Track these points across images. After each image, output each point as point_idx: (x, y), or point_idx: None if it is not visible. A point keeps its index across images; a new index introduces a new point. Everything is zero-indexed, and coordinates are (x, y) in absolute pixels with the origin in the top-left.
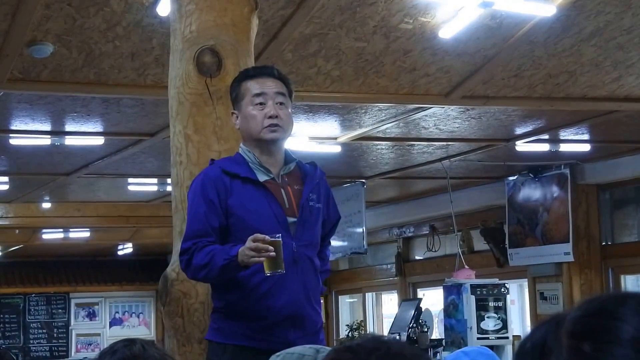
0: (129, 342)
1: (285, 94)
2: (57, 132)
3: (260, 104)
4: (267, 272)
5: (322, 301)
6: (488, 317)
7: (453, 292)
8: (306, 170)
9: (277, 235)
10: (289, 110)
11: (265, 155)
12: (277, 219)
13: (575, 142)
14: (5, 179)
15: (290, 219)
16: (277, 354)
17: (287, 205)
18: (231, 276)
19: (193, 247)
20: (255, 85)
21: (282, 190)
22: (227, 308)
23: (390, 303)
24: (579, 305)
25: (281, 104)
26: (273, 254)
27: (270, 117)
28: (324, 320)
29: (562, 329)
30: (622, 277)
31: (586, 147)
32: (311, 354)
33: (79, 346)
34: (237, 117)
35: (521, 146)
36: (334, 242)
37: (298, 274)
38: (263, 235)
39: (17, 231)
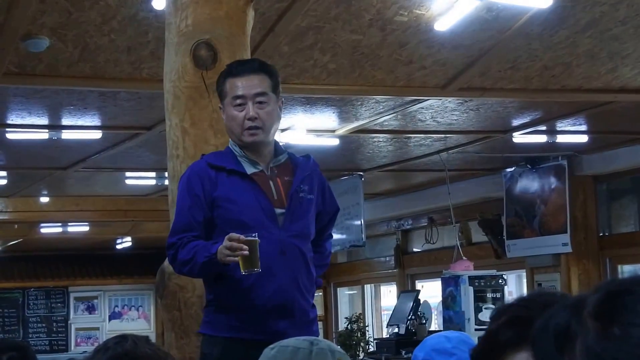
0: (121, 339)
1: (267, 91)
2: (54, 126)
3: (240, 105)
4: (243, 271)
5: (320, 294)
6: (486, 309)
7: (451, 284)
8: (297, 162)
9: (253, 234)
10: (271, 107)
11: (251, 152)
12: (263, 210)
13: (572, 134)
14: (3, 173)
15: (279, 210)
16: (271, 346)
17: (276, 197)
18: (214, 272)
19: (178, 242)
20: (236, 84)
21: (271, 182)
22: (217, 300)
23: (389, 295)
24: (597, 287)
25: (261, 102)
26: (246, 252)
27: (249, 119)
28: (322, 312)
29: (584, 312)
30: (619, 267)
31: (583, 138)
32: (306, 346)
33: (78, 340)
34: (223, 112)
35: (518, 138)
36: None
37: (286, 265)
38: (238, 235)
39: (15, 226)
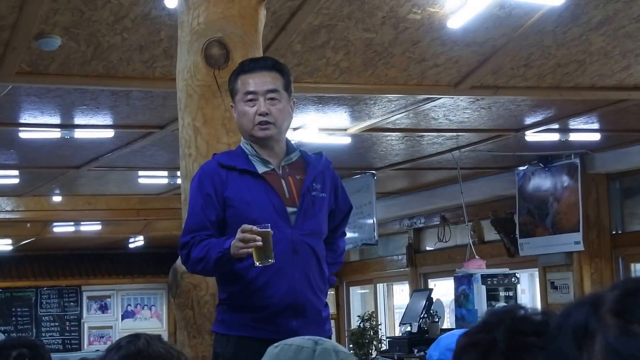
0: (134, 338)
1: (279, 89)
2: (67, 125)
3: (251, 100)
4: (257, 263)
5: (332, 292)
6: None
7: (464, 282)
8: (309, 160)
9: (266, 225)
10: (282, 105)
11: (263, 149)
12: (275, 209)
13: (585, 132)
14: (16, 172)
15: (290, 209)
16: (275, 344)
17: (288, 196)
18: (227, 269)
19: (191, 241)
20: (248, 81)
21: (283, 181)
22: (230, 300)
23: (401, 294)
24: (613, 285)
25: (272, 99)
26: (260, 243)
27: (260, 114)
28: (334, 311)
29: (603, 309)
30: (632, 265)
31: (596, 137)
32: (309, 345)
33: (91, 339)
34: (235, 110)
35: (531, 136)
36: None
37: (299, 263)
38: (250, 226)
39: (28, 225)
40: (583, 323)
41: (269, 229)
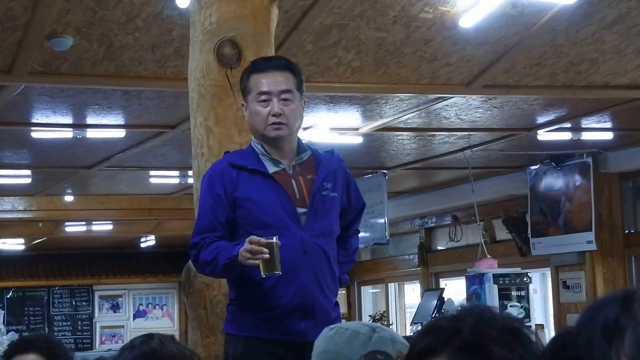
0: (148, 338)
1: (292, 89)
2: (79, 125)
3: (265, 100)
4: (263, 274)
5: (343, 292)
6: (511, 307)
7: (475, 282)
8: (321, 159)
9: (273, 237)
10: (295, 105)
11: (274, 149)
12: (285, 210)
13: (598, 131)
14: (28, 172)
15: (300, 210)
16: (331, 326)
17: (298, 196)
18: (236, 273)
19: (201, 243)
20: (261, 81)
21: (293, 181)
22: (239, 300)
23: (412, 293)
24: None
25: (286, 100)
26: (267, 256)
27: (274, 115)
28: (345, 310)
29: (634, 306)
30: None
31: (608, 136)
32: (366, 332)
33: (103, 338)
34: (246, 109)
35: (543, 135)
36: None
37: (308, 265)
38: (258, 238)
39: (40, 224)
40: (613, 318)
41: (276, 240)
